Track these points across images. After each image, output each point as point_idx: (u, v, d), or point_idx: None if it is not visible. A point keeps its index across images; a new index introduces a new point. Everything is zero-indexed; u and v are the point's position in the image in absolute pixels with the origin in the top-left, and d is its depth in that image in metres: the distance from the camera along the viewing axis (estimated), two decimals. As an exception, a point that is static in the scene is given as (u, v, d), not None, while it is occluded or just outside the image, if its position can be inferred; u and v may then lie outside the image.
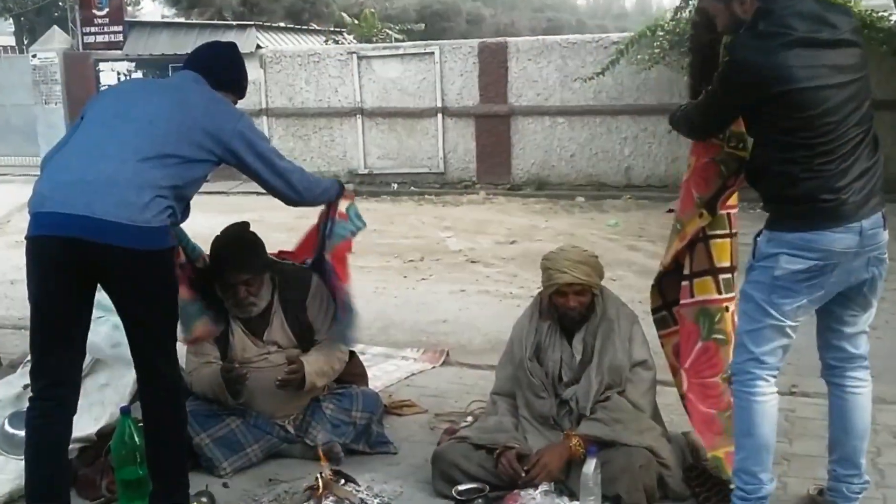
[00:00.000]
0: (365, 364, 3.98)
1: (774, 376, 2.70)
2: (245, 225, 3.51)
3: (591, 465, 2.85)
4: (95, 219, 2.55)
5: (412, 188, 11.86)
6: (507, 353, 3.34)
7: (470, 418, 3.67)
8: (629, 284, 6.23)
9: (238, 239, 3.44)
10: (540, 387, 3.17)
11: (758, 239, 2.65)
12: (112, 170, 2.62)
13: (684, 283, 3.07)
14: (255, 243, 3.45)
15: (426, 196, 11.43)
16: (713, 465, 3.00)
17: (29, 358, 2.84)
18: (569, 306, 3.12)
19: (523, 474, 2.95)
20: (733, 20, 2.60)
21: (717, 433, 3.02)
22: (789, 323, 2.63)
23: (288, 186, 3.02)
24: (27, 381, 2.89)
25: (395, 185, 12.01)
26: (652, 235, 8.22)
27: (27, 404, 2.75)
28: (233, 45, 3.18)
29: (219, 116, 2.84)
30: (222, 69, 3.02)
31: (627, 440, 2.97)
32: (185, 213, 2.85)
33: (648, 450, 2.97)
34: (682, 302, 3.07)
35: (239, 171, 2.91)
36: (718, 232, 3.04)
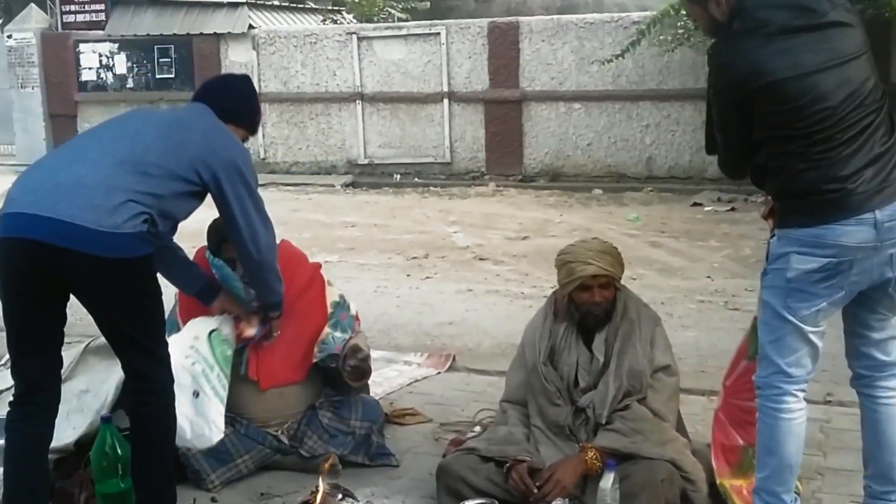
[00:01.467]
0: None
1: (804, 390, 2.69)
2: None
3: (608, 480, 2.84)
4: (59, 221, 2.55)
5: (416, 179, 11.86)
6: (519, 357, 3.33)
7: (478, 428, 3.67)
8: (651, 284, 6.22)
9: None
10: (555, 393, 3.17)
11: (771, 241, 2.66)
12: (84, 172, 2.64)
13: None
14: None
15: (431, 188, 11.44)
16: (720, 491, 3.01)
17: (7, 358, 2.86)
18: (594, 301, 3.11)
19: (535, 490, 2.94)
20: (712, 23, 2.67)
21: (733, 465, 3.04)
22: (811, 329, 2.62)
23: (252, 241, 2.98)
24: (6, 383, 2.92)
25: (398, 176, 12.01)
26: (675, 231, 8.20)
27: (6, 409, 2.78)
28: (245, 78, 3.26)
29: (217, 143, 2.88)
30: (231, 100, 3.06)
31: (648, 452, 2.96)
32: (173, 231, 2.87)
33: (671, 463, 2.96)
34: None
35: (216, 205, 2.92)
36: None
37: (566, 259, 3.14)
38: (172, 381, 2.88)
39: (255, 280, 3.17)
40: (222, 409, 3.21)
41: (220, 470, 3.36)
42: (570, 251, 3.15)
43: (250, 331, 3.37)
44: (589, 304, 3.12)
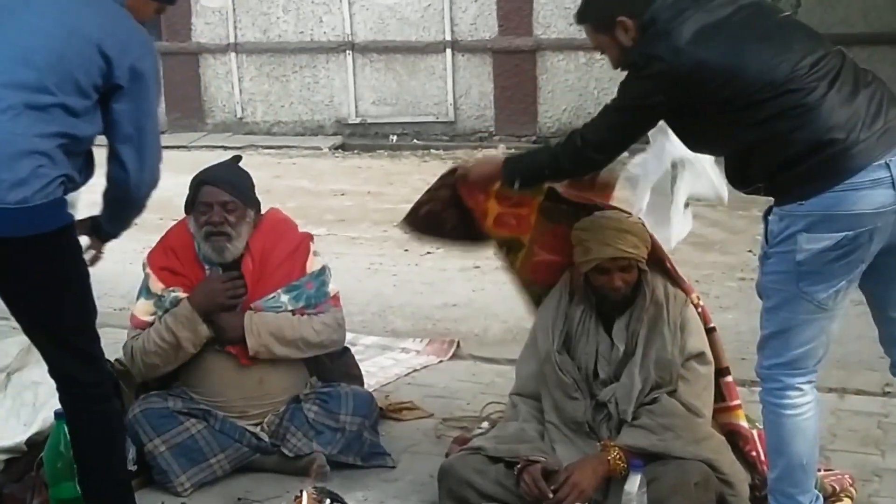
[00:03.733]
0: (356, 357, 3.98)
1: (811, 381, 2.73)
2: (237, 157, 3.67)
3: (634, 483, 2.84)
4: None
5: (415, 141, 11.82)
6: (531, 343, 3.33)
7: (485, 424, 3.68)
8: (685, 259, 6.16)
9: (224, 163, 3.61)
10: (571, 385, 3.17)
11: (769, 218, 2.67)
12: None
13: None
14: (245, 173, 3.58)
15: (432, 151, 11.40)
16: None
17: None
18: (613, 286, 3.10)
19: (551, 494, 2.94)
20: (621, 52, 2.81)
21: None
22: (828, 313, 2.65)
23: (138, 159, 2.80)
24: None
25: (394, 138, 11.97)
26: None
27: None
28: None
29: (118, 31, 2.66)
30: None
31: (680, 452, 2.97)
32: (89, 169, 2.72)
33: (706, 463, 2.96)
34: None
35: (104, 116, 2.70)
36: None
37: (581, 236, 3.12)
38: (110, 379, 2.84)
39: (114, 213, 2.97)
40: None
41: (191, 471, 3.37)
42: (587, 227, 3.13)
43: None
44: (607, 288, 3.12)
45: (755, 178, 2.69)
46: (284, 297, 3.50)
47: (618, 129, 2.82)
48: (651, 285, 3.16)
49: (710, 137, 2.81)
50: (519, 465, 3.03)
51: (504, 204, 3.26)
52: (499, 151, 11.00)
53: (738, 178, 2.77)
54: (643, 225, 3.18)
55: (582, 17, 2.93)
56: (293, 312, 3.50)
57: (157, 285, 3.50)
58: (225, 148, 10.33)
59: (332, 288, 3.62)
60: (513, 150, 11.03)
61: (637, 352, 3.12)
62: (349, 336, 4.61)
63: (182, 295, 3.44)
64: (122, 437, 2.93)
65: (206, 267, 3.50)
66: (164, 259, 3.54)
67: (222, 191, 3.45)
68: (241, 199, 3.48)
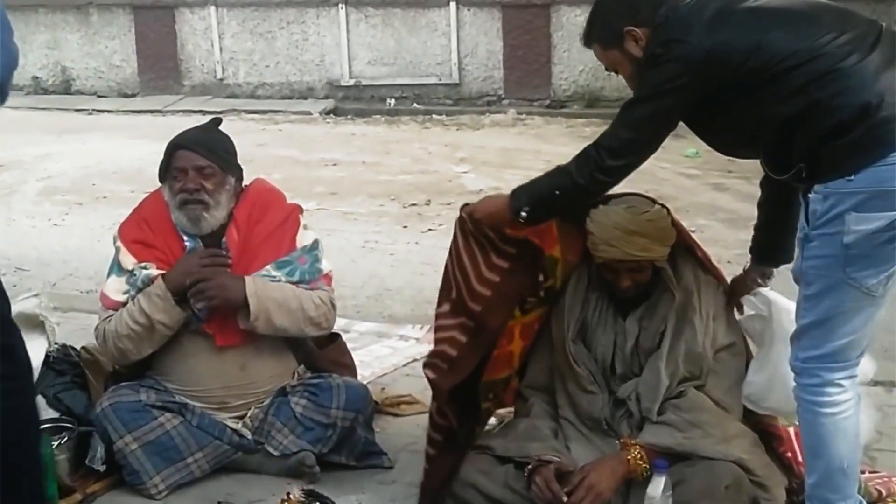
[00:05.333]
0: (350, 346, 3.98)
1: (853, 375, 2.73)
2: (217, 120, 3.69)
3: (658, 486, 2.84)
4: None
5: (415, 105, 11.79)
6: (543, 334, 3.33)
7: (493, 421, 3.67)
8: (714, 237, 6.19)
9: (202, 126, 3.63)
10: (586, 378, 3.17)
11: (811, 196, 2.66)
12: None
13: None
14: (226, 137, 3.60)
15: (434, 116, 11.38)
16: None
17: None
18: (619, 285, 3.11)
19: (565, 498, 2.94)
20: (635, 63, 2.87)
21: None
22: (876, 300, 2.65)
23: None
24: None
25: (392, 101, 11.94)
26: (745, 170, 8.10)
27: None
28: None
29: None
30: None
31: (709, 451, 2.96)
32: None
33: (737, 464, 2.96)
34: None
35: None
36: None
37: (590, 228, 3.10)
38: (26, 369, 2.79)
39: None
40: None
41: (166, 471, 3.38)
42: (597, 219, 3.08)
43: None
44: (613, 286, 3.13)
45: (796, 158, 2.67)
46: (276, 273, 3.49)
47: (638, 126, 2.80)
48: (677, 275, 3.14)
49: (744, 125, 2.80)
50: (530, 466, 3.02)
51: (521, 230, 3.16)
52: (509, 115, 10.98)
53: (778, 162, 2.76)
54: (664, 215, 3.13)
55: (588, 38, 2.97)
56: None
57: (128, 259, 3.49)
58: (203, 112, 10.31)
59: (325, 265, 3.62)
60: (524, 116, 11.11)
61: (664, 344, 3.11)
62: (342, 322, 4.62)
63: (155, 272, 3.43)
64: (32, 443, 2.85)
65: (185, 239, 3.49)
66: (137, 231, 3.54)
67: (198, 155, 3.44)
68: (220, 164, 3.47)
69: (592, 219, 3.10)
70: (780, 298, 3.11)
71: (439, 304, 3.29)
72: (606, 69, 2.97)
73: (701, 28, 2.70)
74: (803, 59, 2.60)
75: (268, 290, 3.41)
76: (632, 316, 3.16)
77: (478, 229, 3.19)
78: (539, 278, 3.25)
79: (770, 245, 3.13)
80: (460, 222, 3.23)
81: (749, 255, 3.19)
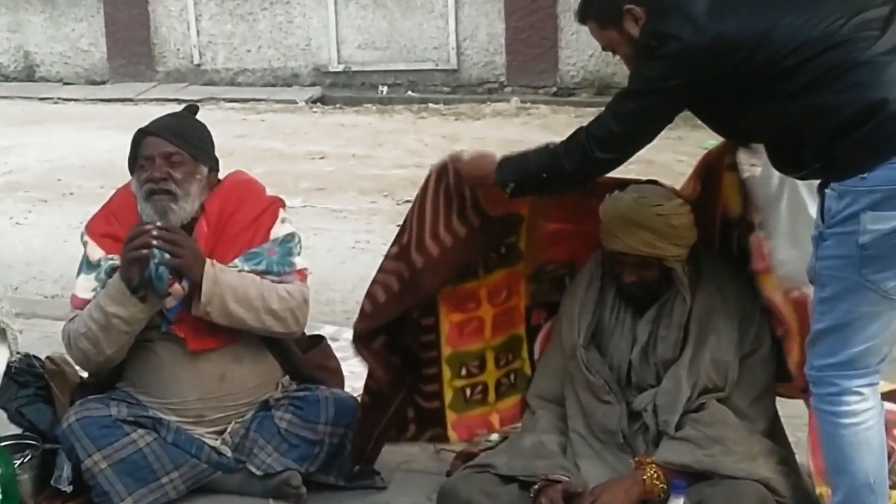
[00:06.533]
0: (339, 356, 3.97)
1: (873, 383, 2.74)
2: (193, 108, 3.70)
3: (676, 508, 2.85)
4: None
5: (409, 93, 11.81)
6: (555, 335, 3.34)
7: (495, 436, 3.67)
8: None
9: (175, 113, 3.65)
10: (602, 387, 3.17)
11: (826, 193, 2.67)
12: None
13: None
14: (200, 124, 3.60)
15: (430, 105, 11.39)
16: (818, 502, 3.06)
17: None
18: (622, 280, 3.13)
19: (573, 521, 2.95)
20: (633, 44, 2.89)
21: None
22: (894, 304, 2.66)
23: None
24: None
25: (385, 89, 11.95)
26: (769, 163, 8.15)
27: None
28: None
29: None
30: None
31: (731, 469, 2.96)
32: None
33: (763, 484, 2.95)
34: None
35: None
36: None
37: (601, 214, 3.14)
38: None
39: None
40: None
41: (138, 492, 3.37)
42: (606, 205, 3.13)
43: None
44: (617, 280, 3.15)
45: (808, 158, 2.70)
46: (243, 264, 3.48)
47: (627, 120, 2.84)
48: (699, 271, 3.15)
49: (746, 120, 2.83)
50: (536, 486, 3.02)
51: (499, 204, 3.25)
52: (511, 104, 11.00)
53: (788, 162, 2.79)
54: (683, 211, 3.13)
55: (583, 14, 2.99)
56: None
57: (96, 252, 3.48)
58: (179, 101, 10.31)
59: (299, 261, 3.60)
60: (528, 105, 11.11)
61: (685, 352, 3.11)
62: (330, 329, 4.62)
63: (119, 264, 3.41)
64: None
65: None
66: (105, 225, 3.53)
67: (166, 141, 3.43)
68: (190, 152, 3.46)
69: (604, 204, 3.13)
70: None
71: (391, 245, 3.37)
72: (603, 49, 3.00)
73: (698, 20, 2.70)
74: (810, 52, 2.62)
75: (225, 274, 3.40)
76: (644, 319, 3.16)
77: (456, 184, 3.25)
78: (490, 258, 3.38)
79: None
80: (440, 169, 3.28)
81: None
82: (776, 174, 3.02)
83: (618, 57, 2.98)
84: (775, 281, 3.12)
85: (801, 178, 2.79)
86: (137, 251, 3.29)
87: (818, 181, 2.75)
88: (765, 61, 2.65)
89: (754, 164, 3.16)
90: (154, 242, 3.31)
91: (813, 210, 2.86)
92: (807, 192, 2.99)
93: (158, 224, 3.35)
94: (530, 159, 3.02)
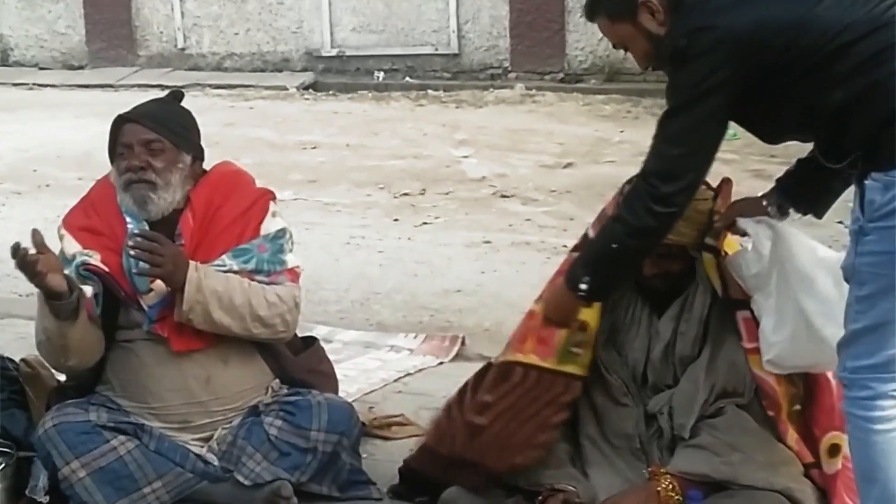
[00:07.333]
0: (332, 358, 3.97)
1: None
2: (178, 94, 3.68)
3: (692, 521, 2.85)
4: None
5: (407, 79, 11.80)
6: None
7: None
8: (754, 233, 6.19)
9: (157, 99, 3.63)
10: (619, 388, 3.18)
11: (867, 184, 2.67)
12: None
13: None
14: (185, 111, 3.60)
15: (429, 92, 11.39)
16: None
17: None
18: (643, 273, 3.12)
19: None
20: (652, 42, 2.86)
21: None
22: None
23: None
24: None
25: (381, 75, 11.94)
26: (789, 154, 8.12)
27: None
28: None
29: None
30: None
31: (751, 479, 2.97)
32: None
33: (784, 494, 2.96)
34: None
35: None
36: None
37: (618, 202, 3.12)
38: None
39: None
40: None
41: (119, 502, 3.36)
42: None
43: None
44: (638, 273, 3.14)
45: (853, 145, 2.69)
46: (231, 262, 3.48)
47: (683, 138, 2.77)
48: (717, 274, 3.15)
49: (790, 114, 2.81)
50: (541, 497, 3.04)
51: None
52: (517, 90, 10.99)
53: (833, 150, 2.77)
54: (706, 199, 3.15)
55: (592, 9, 2.98)
56: (240, 275, 3.48)
57: (72, 246, 3.47)
58: (162, 87, 10.28)
59: (290, 258, 3.59)
60: (533, 91, 11.10)
61: (704, 351, 3.12)
62: (323, 331, 4.62)
63: (94, 260, 3.40)
64: None
65: (128, 220, 3.47)
66: (84, 218, 3.53)
67: (145, 128, 3.43)
68: (171, 139, 3.45)
69: (624, 193, 3.12)
70: (795, 232, 3.06)
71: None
72: (614, 47, 2.96)
73: (730, 8, 2.69)
74: (860, 32, 2.61)
75: (209, 280, 3.39)
76: (666, 316, 3.16)
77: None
78: None
79: (806, 185, 3.08)
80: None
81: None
82: (766, 254, 3.00)
83: (629, 54, 2.98)
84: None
85: (845, 168, 2.74)
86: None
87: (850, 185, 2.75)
88: (809, 46, 2.63)
89: (744, 244, 3.12)
90: (131, 252, 3.32)
91: (811, 286, 2.88)
92: (806, 259, 2.98)
93: (135, 231, 3.35)
94: (594, 244, 2.98)
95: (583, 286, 2.91)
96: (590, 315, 3.15)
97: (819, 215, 3.08)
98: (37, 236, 3.20)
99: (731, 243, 3.13)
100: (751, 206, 3.12)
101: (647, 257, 3.03)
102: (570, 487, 3.03)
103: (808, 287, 2.93)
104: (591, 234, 3.16)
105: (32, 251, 3.17)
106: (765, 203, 3.11)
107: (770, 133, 3.00)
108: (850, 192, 2.81)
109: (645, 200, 2.78)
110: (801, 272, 2.98)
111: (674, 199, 2.79)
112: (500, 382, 3.21)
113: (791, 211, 3.12)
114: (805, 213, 3.12)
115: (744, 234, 3.09)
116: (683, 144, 2.77)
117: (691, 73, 2.73)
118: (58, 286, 3.21)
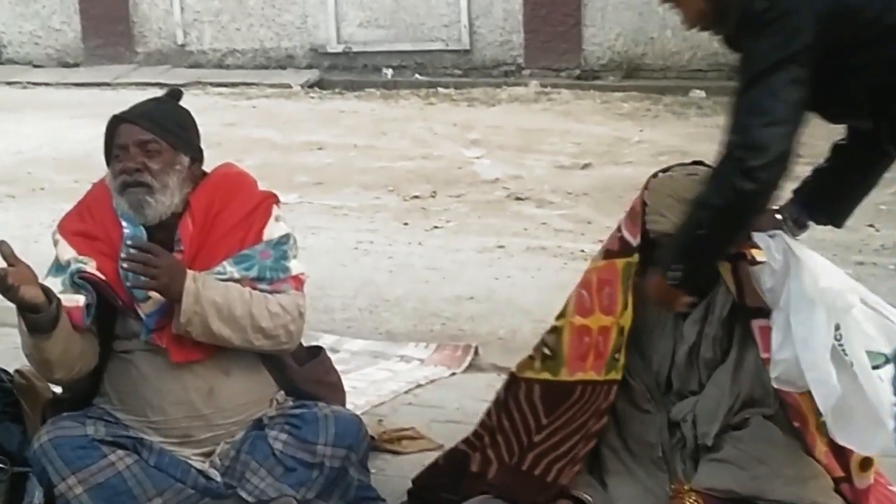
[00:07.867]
0: (339, 369, 3.97)
1: None
2: (176, 93, 3.68)
3: (717, 539, 2.85)
4: None
5: (417, 77, 11.81)
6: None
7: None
8: (781, 236, 6.18)
9: (155, 98, 3.63)
10: (642, 394, 3.19)
11: None
12: None
13: None
14: (183, 111, 3.59)
15: (440, 90, 11.40)
16: None
17: None
18: None
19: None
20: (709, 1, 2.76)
21: None
22: None
23: None
24: None
25: (390, 72, 11.96)
26: (815, 153, 8.13)
27: None
28: None
29: None
30: None
31: (779, 493, 2.96)
32: None
33: (813, 511, 2.96)
34: None
35: None
36: None
37: (646, 198, 3.16)
38: None
39: None
40: None
41: (118, 521, 3.37)
42: (653, 187, 3.16)
43: None
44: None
45: None
46: (231, 269, 3.48)
47: (767, 107, 2.67)
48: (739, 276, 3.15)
49: (859, 93, 2.75)
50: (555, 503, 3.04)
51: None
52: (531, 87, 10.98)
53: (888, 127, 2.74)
54: None
55: None
56: (241, 284, 3.48)
57: (67, 252, 3.47)
58: (161, 86, 10.30)
59: (295, 265, 3.59)
60: (548, 89, 11.11)
61: (730, 355, 3.12)
62: (330, 340, 4.62)
63: (89, 267, 3.40)
64: None
65: (124, 226, 3.47)
66: (79, 222, 3.53)
67: (141, 128, 3.43)
68: (168, 140, 3.44)
69: (650, 187, 3.14)
70: (806, 252, 3.01)
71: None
72: (661, 1, 2.86)
73: None
74: None
75: (208, 291, 3.39)
76: (690, 318, 3.17)
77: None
78: None
79: (826, 196, 3.06)
80: None
81: (825, 256, 3.15)
82: (777, 269, 2.96)
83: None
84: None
85: None
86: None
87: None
88: (892, 25, 2.60)
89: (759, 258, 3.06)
90: (124, 265, 3.32)
91: (803, 315, 2.85)
92: (806, 285, 2.93)
93: (128, 243, 3.35)
94: (680, 230, 2.91)
95: (673, 275, 2.88)
96: (625, 317, 3.17)
97: (838, 225, 3.04)
98: (4, 247, 3.17)
99: (760, 252, 3.12)
100: (764, 220, 3.02)
101: (741, 241, 2.97)
102: (587, 496, 3.03)
103: (798, 314, 2.90)
104: None
105: (2, 264, 3.16)
106: (779, 216, 3.07)
107: (833, 113, 2.91)
108: (874, 195, 2.79)
109: (733, 178, 2.69)
110: (798, 297, 2.94)
111: (763, 172, 2.68)
112: (561, 403, 3.28)
113: (809, 223, 3.09)
114: (824, 224, 3.09)
115: (757, 248, 3.05)
116: (770, 113, 2.66)
117: (770, 36, 2.65)
118: (33, 298, 3.21)
